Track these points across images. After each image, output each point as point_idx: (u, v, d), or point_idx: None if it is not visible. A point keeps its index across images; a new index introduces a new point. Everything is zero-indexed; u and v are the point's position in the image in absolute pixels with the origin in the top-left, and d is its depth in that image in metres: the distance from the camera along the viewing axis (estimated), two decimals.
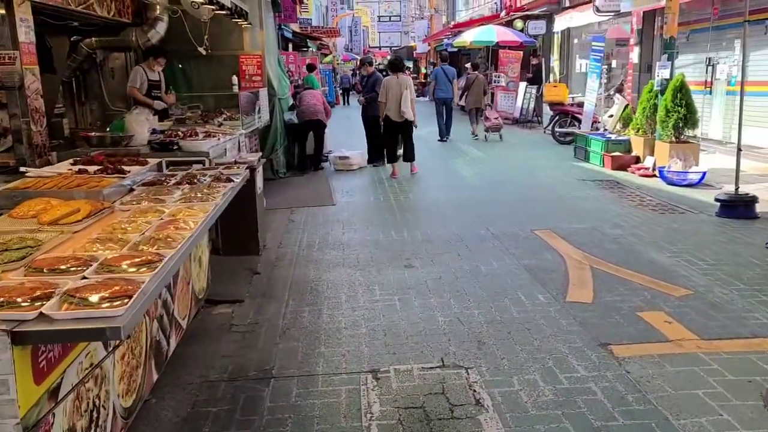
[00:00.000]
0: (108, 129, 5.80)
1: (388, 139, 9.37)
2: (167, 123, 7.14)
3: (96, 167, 3.64)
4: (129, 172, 3.56)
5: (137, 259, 2.14)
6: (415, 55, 39.53)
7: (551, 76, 17.81)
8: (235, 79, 8.11)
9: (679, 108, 8.33)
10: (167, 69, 8.64)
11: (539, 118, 16.46)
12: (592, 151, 10.11)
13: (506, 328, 3.70)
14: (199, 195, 3.21)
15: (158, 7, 7.42)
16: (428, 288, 4.44)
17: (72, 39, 7.36)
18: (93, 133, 5.26)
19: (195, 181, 3.58)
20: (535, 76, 17.17)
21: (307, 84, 14.88)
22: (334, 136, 11.17)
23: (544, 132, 14.82)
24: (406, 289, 4.43)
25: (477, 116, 14.11)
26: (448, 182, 8.84)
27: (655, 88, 9.09)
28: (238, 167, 4.25)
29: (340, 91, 28.82)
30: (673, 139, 8.48)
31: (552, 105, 13.13)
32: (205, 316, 4.02)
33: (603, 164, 9.69)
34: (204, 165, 4.96)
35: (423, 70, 34.62)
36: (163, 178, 3.65)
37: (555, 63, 18.14)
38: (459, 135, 13.79)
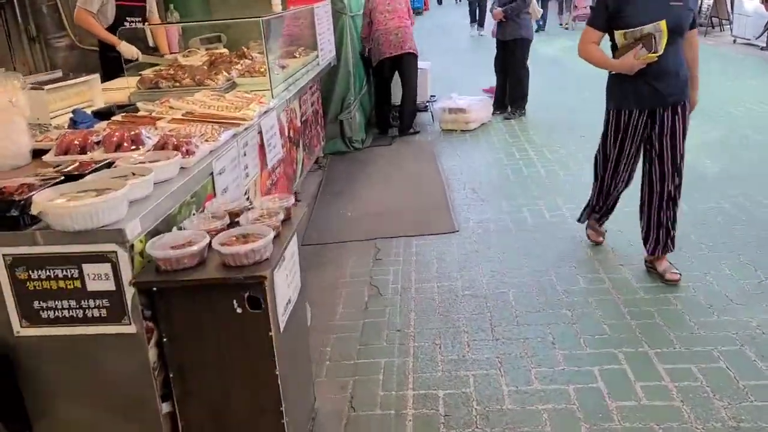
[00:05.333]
0: None
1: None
2: (128, 82, 3.58)
3: None
4: None
5: None
6: None
7: None
8: None
9: None
10: None
11: (721, 20, 11.69)
12: None
13: None
14: None
15: None
16: None
17: None
18: None
19: None
20: None
21: None
22: (432, 68, 7.21)
23: (735, 41, 10.36)
24: None
25: (567, 4, 13.91)
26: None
27: None
28: None
29: None
30: None
31: None
32: None
33: None
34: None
35: None
36: None
37: None
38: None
